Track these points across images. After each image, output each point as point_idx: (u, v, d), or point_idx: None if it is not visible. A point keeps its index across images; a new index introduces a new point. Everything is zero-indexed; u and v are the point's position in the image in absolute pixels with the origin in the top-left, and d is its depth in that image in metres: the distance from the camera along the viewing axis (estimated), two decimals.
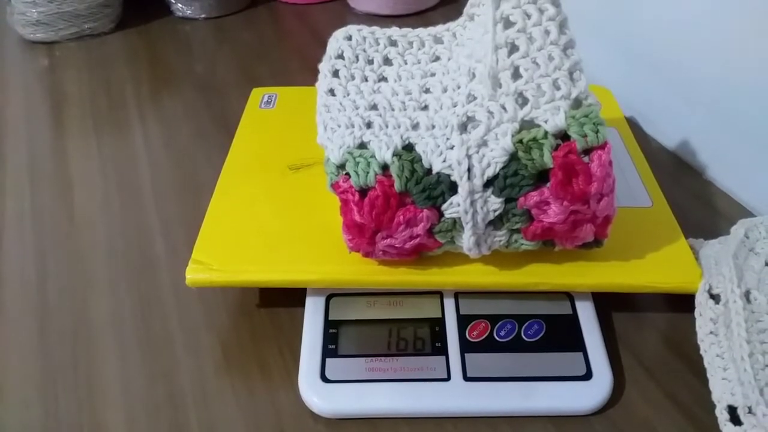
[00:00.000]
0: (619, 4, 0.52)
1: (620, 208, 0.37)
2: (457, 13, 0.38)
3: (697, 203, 0.45)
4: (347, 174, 0.32)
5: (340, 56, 0.38)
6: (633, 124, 0.53)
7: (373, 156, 0.32)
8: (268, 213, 0.39)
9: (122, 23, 0.71)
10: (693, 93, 0.47)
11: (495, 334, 0.35)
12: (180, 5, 0.72)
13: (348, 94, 0.36)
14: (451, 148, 0.32)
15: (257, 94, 0.50)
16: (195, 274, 0.35)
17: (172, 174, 0.49)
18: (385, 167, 0.32)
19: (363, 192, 0.32)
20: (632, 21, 0.51)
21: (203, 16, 0.72)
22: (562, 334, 0.35)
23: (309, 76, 0.38)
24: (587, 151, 0.31)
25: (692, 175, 0.48)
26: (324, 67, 0.37)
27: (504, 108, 0.32)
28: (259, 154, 0.43)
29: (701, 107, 0.47)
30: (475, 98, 0.33)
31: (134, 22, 0.72)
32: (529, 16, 0.32)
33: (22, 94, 0.61)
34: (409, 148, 0.33)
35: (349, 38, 0.38)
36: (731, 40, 0.43)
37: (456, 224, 0.32)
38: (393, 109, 0.35)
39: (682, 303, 0.36)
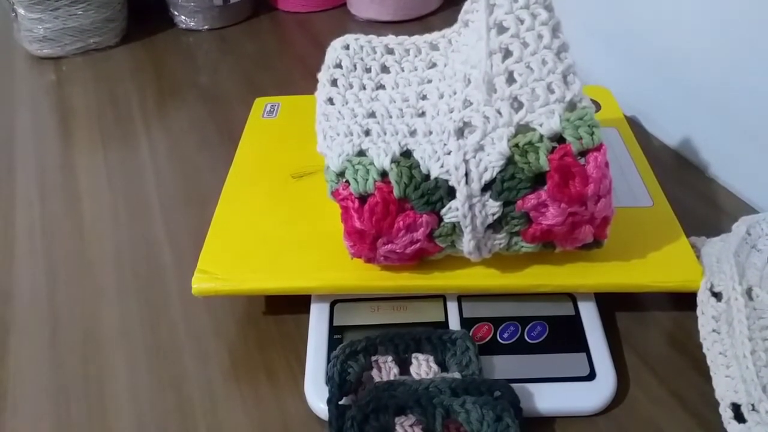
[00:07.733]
0: (619, 2, 0.52)
1: (621, 208, 0.37)
2: (456, 18, 0.38)
3: (699, 201, 0.45)
4: (347, 181, 0.33)
5: (338, 65, 0.38)
6: (634, 122, 0.53)
7: (371, 163, 0.33)
8: (271, 221, 0.39)
9: (127, 37, 0.72)
10: (695, 90, 0.47)
11: (498, 337, 0.35)
12: (183, 17, 0.73)
13: (346, 103, 0.36)
14: (449, 153, 0.32)
15: (260, 103, 0.51)
16: (200, 283, 0.36)
17: (178, 185, 0.50)
18: (383, 174, 0.32)
19: (363, 199, 0.33)
20: (633, 19, 0.51)
21: (206, 27, 0.73)
22: (565, 335, 0.35)
23: (312, 84, 0.39)
24: (583, 154, 0.31)
25: (695, 173, 0.48)
26: (322, 76, 0.38)
27: (499, 113, 0.32)
28: (263, 163, 0.44)
29: (703, 104, 0.47)
30: (471, 104, 0.33)
31: (139, 35, 0.73)
32: (522, 21, 0.33)
33: (30, 109, 0.62)
34: (407, 154, 0.33)
35: (347, 47, 0.38)
36: (734, 37, 0.43)
37: (456, 228, 0.33)
38: (391, 117, 0.35)
39: (684, 301, 0.36)
